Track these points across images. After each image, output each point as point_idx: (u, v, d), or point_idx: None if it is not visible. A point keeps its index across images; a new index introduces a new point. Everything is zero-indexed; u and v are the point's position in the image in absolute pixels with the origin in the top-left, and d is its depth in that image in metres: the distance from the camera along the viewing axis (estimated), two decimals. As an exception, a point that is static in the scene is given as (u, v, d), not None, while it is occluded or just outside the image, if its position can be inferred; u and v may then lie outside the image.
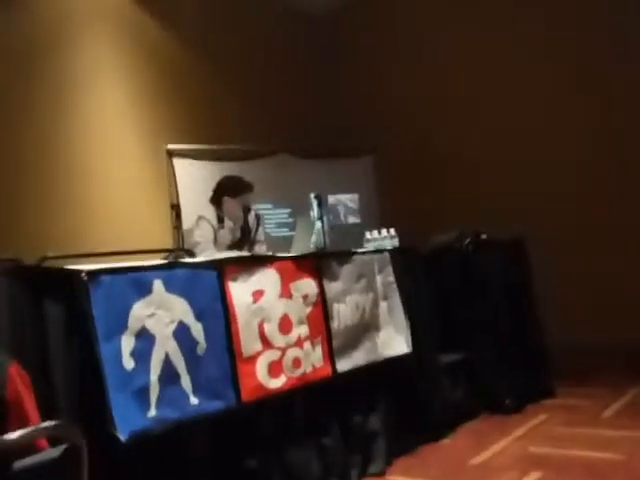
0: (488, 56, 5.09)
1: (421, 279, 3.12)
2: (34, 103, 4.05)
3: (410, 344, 2.84)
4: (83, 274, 1.67)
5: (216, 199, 3.39)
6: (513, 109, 4.93)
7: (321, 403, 2.35)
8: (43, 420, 0.86)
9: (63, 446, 0.79)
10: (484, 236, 3.55)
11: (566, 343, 3.77)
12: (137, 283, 1.81)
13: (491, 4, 5.06)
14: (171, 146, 4.75)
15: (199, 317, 1.95)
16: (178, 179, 4.73)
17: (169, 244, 4.15)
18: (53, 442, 0.84)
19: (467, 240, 3.47)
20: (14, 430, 0.76)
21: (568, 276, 4.33)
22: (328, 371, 2.41)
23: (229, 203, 3.33)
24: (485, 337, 3.33)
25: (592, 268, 4.40)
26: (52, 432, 0.78)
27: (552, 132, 4.75)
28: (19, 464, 0.75)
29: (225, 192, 3.37)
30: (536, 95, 4.84)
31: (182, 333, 1.88)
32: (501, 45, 5.01)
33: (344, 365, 2.48)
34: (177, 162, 4.77)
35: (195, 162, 4.85)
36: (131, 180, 4.55)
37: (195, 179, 4.77)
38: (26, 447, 0.80)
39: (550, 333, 3.63)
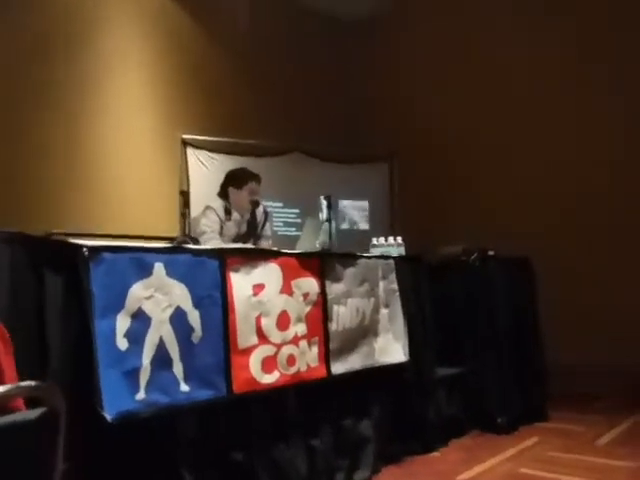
0: (508, 72, 5.06)
1: (424, 289, 3.09)
2: (55, 86, 4.09)
3: (407, 353, 2.81)
4: (85, 249, 1.66)
5: (222, 191, 3.38)
6: (531, 127, 4.89)
7: (313, 403, 2.32)
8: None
9: (41, 409, 0.77)
10: (491, 252, 3.52)
11: (563, 366, 3.72)
12: (138, 264, 1.80)
13: (516, 18, 5.03)
14: (186, 136, 4.76)
15: (197, 304, 1.94)
16: (190, 169, 4.75)
17: (176, 230, 4.16)
18: (32, 406, 0.82)
19: (474, 255, 3.43)
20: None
21: (569, 299, 4.28)
22: (322, 372, 2.38)
23: (234, 194, 3.33)
24: (484, 354, 3.29)
25: (595, 293, 4.34)
26: (32, 392, 0.75)
27: (569, 153, 4.70)
28: (-10, 422, 0.74)
29: (230, 183, 3.37)
30: (552, 115, 4.79)
31: (178, 319, 1.87)
32: (522, 60, 4.98)
33: (339, 367, 2.45)
34: (191, 152, 4.79)
35: (209, 154, 4.86)
36: (144, 166, 4.57)
37: (207, 171, 4.79)
38: (2, 406, 0.78)
39: (550, 355, 3.58)
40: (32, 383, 0.74)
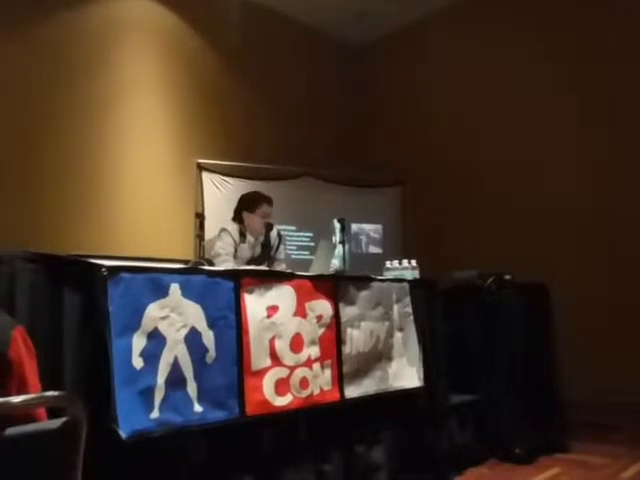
0: (522, 97, 5.09)
1: (439, 314, 3.06)
2: (71, 111, 4.20)
3: (422, 378, 2.78)
4: (103, 269, 1.68)
5: (236, 215, 3.44)
6: (546, 151, 4.88)
7: (325, 428, 2.30)
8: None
9: (63, 419, 0.78)
10: (507, 277, 3.49)
11: (584, 396, 3.64)
12: (155, 284, 1.82)
13: (530, 40, 5.07)
14: (201, 160, 4.85)
15: (212, 325, 1.95)
16: (205, 193, 4.81)
17: (190, 253, 4.19)
18: (53, 415, 0.83)
19: (490, 279, 3.41)
20: (13, 391, 0.76)
21: (589, 327, 4.20)
22: (336, 396, 2.36)
23: (248, 217, 3.38)
24: (500, 381, 3.24)
25: (616, 320, 4.26)
26: (55, 402, 0.77)
27: (585, 178, 4.66)
28: (14, 430, 0.74)
29: (243, 207, 3.43)
30: (571, 130, 4.77)
31: (193, 339, 1.87)
32: (537, 85, 5.00)
33: (353, 391, 2.43)
34: (206, 176, 4.86)
35: (223, 178, 4.93)
36: (159, 189, 4.64)
37: (222, 194, 4.84)
38: (25, 414, 0.79)
39: (568, 384, 3.51)
40: (55, 393, 0.75)
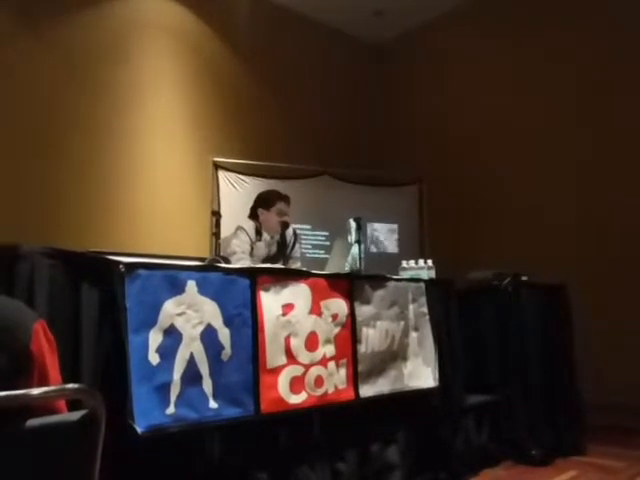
0: (540, 93, 5.02)
1: (455, 314, 3.04)
2: (88, 109, 4.24)
3: (437, 378, 2.76)
4: (121, 265, 1.70)
5: (252, 213, 3.44)
6: (564, 145, 4.81)
7: (340, 426, 2.30)
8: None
9: (83, 411, 0.79)
10: (524, 277, 3.45)
11: (602, 399, 3.58)
12: (172, 281, 1.84)
13: (545, 39, 5.01)
14: (217, 159, 4.87)
15: (228, 322, 1.96)
16: (221, 191, 4.84)
17: (207, 251, 4.21)
18: (73, 409, 0.85)
19: (507, 280, 3.37)
20: (34, 384, 0.77)
21: (610, 328, 4.14)
22: (351, 394, 2.35)
23: (264, 215, 3.39)
24: (516, 382, 3.21)
25: (637, 321, 4.18)
26: (75, 395, 0.78)
27: (604, 178, 4.59)
28: (35, 422, 0.76)
29: (260, 205, 3.43)
30: (587, 130, 4.70)
31: (209, 336, 1.88)
32: (551, 81, 4.94)
33: (368, 391, 2.42)
34: (222, 175, 4.89)
35: (239, 176, 4.95)
36: (176, 188, 4.68)
37: (238, 192, 4.87)
38: (45, 406, 0.81)
39: (586, 387, 3.46)
40: (75, 385, 0.76)
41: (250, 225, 3.37)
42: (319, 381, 2.22)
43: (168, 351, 1.75)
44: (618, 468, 2.99)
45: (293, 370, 2.14)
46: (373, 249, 5.34)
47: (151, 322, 1.74)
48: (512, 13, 5.26)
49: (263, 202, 3.42)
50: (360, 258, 2.84)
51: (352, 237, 2.88)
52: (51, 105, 4.06)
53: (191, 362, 1.80)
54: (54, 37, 4.14)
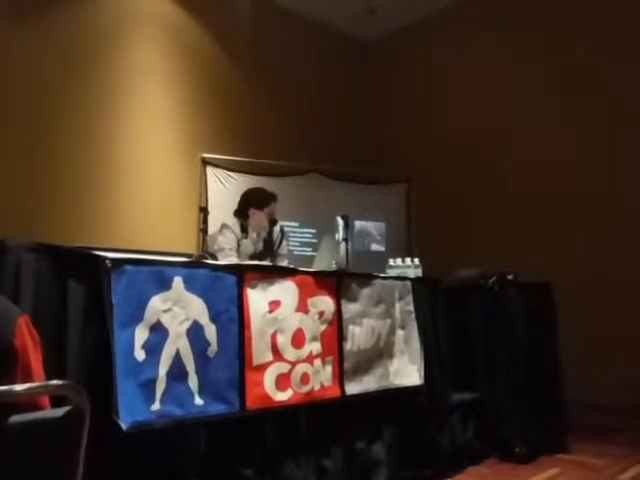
0: (526, 91, 5.06)
1: (441, 312, 3.07)
2: (77, 103, 4.19)
3: (423, 376, 2.78)
4: (108, 261, 1.69)
5: (241, 211, 3.39)
6: (550, 145, 4.85)
7: (326, 423, 2.30)
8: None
9: (67, 407, 0.79)
10: (510, 276, 3.48)
11: (587, 397, 3.63)
12: (158, 277, 1.83)
13: (533, 38, 5.05)
14: (206, 155, 4.85)
15: (214, 319, 1.95)
16: (209, 187, 4.82)
17: (194, 247, 4.19)
18: (56, 405, 0.84)
19: (493, 278, 3.40)
20: (18, 380, 0.76)
21: (593, 328, 4.18)
22: (336, 392, 2.36)
23: (256, 215, 3.34)
24: (501, 380, 3.24)
25: (620, 321, 4.24)
26: (59, 391, 0.77)
27: (593, 176, 4.62)
28: (18, 418, 0.75)
29: (251, 204, 3.37)
30: (572, 130, 4.74)
31: (195, 332, 1.88)
32: (539, 79, 4.97)
33: (353, 388, 2.44)
34: (210, 171, 4.87)
35: (227, 173, 4.93)
36: (164, 183, 4.65)
37: (225, 189, 4.85)
38: (29, 402, 0.80)
39: (569, 386, 3.50)
40: (59, 382, 0.76)
41: (234, 222, 3.34)
42: (305, 378, 2.22)
43: (154, 347, 1.75)
44: (600, 466, 3.03)
45: (279, 367, 2.14)
46: (360, 247, 5.35)
47: (137, 318, 1.73)
48: (502, 12, 5.29)
49: (255, 201, 3.37)
50: (347, 256, 2.85)
51: (339, 235, 2.89)
52: (41, 98, 4.01)
53: (177, 358, 1.80)
54: (47, 27, 4.08)
